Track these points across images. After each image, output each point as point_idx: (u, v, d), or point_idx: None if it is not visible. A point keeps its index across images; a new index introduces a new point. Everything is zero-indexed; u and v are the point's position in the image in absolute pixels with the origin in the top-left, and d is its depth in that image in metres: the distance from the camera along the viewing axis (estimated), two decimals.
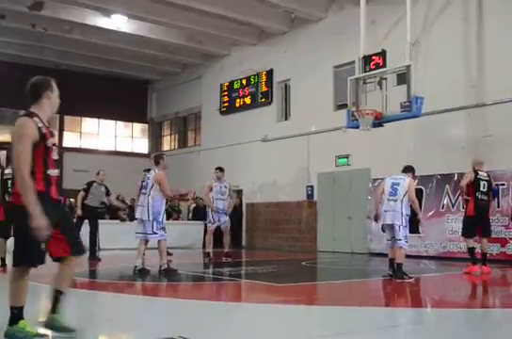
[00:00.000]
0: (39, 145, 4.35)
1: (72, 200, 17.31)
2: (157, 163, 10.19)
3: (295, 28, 18.53)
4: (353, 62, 14.46)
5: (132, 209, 19.36)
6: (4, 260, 10.48)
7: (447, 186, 13.50)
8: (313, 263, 13.55)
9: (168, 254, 11.63)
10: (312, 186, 17.62)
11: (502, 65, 13.01)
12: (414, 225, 9.71)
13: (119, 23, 18.73)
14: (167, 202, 10.61)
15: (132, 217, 13.96)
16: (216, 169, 13.14)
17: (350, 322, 5.48)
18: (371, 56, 13.38)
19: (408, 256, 9.48)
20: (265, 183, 18.93)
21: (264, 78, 19.63)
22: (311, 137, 17.59)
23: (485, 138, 13.13)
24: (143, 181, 10.46)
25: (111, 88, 23.79)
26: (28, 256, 4.26)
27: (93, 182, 13.13)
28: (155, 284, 9.15)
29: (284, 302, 6.71)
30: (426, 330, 5.31)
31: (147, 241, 9.95)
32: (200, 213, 18.86)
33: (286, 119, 19.21)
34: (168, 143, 26.10)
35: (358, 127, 13.08)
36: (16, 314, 4.22)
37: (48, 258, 4.34)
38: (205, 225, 17.30)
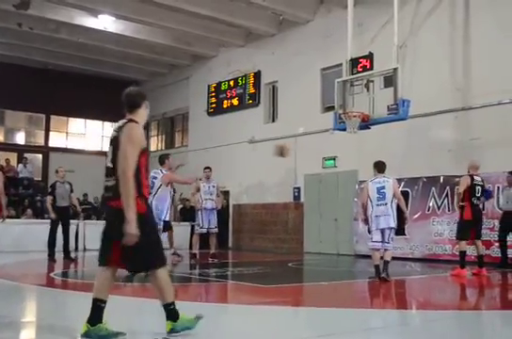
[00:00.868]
0: (144, 153, 4.47)
1: None
2: (162, 163, 10.16)
3: (283, 30, 18.55)
4: (340, 65, 14.49)
5: (95, 209, 19.31)
6: None
7: (433, 189, 13.57)
8: (300, 264, 13.57)
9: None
10: (298, 188, 17.65)
11: (488, 68, 13.10)
12: (400, 224, 9.73)
13: (106, 23, 18.66)
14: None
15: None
16: (207, 168, 13.24)
17: (336, 324, 5.49)
18: (358, 58, 13.42)
19: (393, 258, 9.51)
20: (252, 184, 18.93)
21: (251, 80, 19.63)
22: (298, 139, 17.61)
23: (471, 141, 13.21)
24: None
25: (98, 88, 23.66)
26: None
27: (55, 182, 13.12)
28: (140, 285, 9.10)
29: (270, 304, 6.70)
30: (411, 332, 5.33)
31: None
32: (186, 214, 18.82)
33: (273, 120, 19.22)
34: (154, 144, 26.01)
35: (345, 129, 13.12)
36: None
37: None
38: (192, 226, 17.28)
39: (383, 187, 9.39)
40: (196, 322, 4.63)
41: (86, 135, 25.30)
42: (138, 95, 4.94)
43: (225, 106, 20.60)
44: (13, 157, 22.82)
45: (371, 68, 13.14)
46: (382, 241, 9.32)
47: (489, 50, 13.11)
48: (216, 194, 13.33)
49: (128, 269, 4.66)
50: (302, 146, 17.41)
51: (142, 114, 4.80)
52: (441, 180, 13.47)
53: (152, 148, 25.88)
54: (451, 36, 14.00)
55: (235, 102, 20.22)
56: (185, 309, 6.16)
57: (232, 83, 20.40)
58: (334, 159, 16.58)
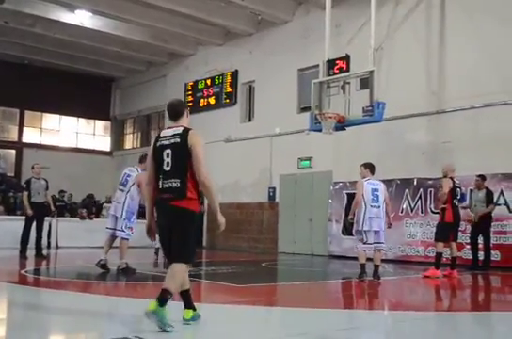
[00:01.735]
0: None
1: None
2: (141, 161, 10.11)
3: (261, 30, 18.58)
4: (317, 66, 14.55)
5: (65, 207, 19.15)
6: None
7: (407, 191, 13.70)
8: (273, 264, 13.60)
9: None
10: (274, 188, 17.69)
11: (462, 72, 13.26)
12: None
13: (83, 18, 18.52)
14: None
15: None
16: None
17: (308, 324, 5.52)
18: (335, 60, 13.53)
19: (367, 259, 9.60)
20: (227, 183, 18.92)
21: (228, 79, 19.63)
22: (274, 139, 17.65)
23: (444, 144, 13.37)
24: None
25: (74, 84, 23.49)
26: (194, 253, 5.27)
27: (31, 178, 13.03)
28: (113, 284, 9.07)
29: (243, 303, 6.72)
30: (383, 333, 5.38)
31: (114, 237, 9.87)
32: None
33: (250, 120, 19.24)
34: (130, 141, 25.89)
35: (320, 130, 13.19)
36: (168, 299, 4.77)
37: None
38: None
39: (377, 190, 9.54)
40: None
41: (60, 131, 25.06)
42: (181, 104, 5.49)
43: (202, 105, 20.56)
44: None
45: (347, 70, 13.25)
46: (375, 242, 9.47)
47: (464, 54, 13.27)
48: None
49: (170, 261, 5.10)
50: (278, 146, 17.46)
51: (187, 121, 5.28)
52: (415, 182, 13.60)
53: (128, 146, 25.76)
54: (427, 39, 14.15)
55: (212, 101, 20.20)
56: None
57: (209, 82, 20.37)
58: (309, 160, 16.65)
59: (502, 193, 12.11)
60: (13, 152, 23.77)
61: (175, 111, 5.27)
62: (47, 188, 13.07)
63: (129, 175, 9.89)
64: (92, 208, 19.22)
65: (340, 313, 6.49)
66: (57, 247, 16.18)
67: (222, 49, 20.05)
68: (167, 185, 4.93)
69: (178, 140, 4.97)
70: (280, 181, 17.54)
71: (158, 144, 5.08)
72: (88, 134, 25.92)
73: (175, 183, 4.91)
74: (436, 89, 13.89)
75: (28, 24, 18.81)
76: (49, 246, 15.88)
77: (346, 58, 13.45)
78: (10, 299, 7.18)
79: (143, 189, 9.68)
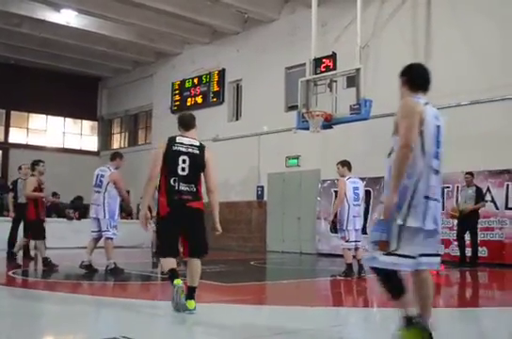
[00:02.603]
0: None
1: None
2: (113, 159, 10.05)
3: (247, 29, 18.58)
4: (304, 64, 14.58)
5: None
6: None
7: None
8: (262, 263, 13.61)
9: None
10: (262, 187, 17.69)
11: (448, 70, 13.30)
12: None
13: (68, 18, 18.43)
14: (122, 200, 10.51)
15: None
16: None
17: (296, 322, 5.53)
18: (322, 58, 13.53)
19: (355, 256, 9.64)
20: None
21: (215, 78, 19.61)
22: (261, 138, 17.66)
23: None
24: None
25: (60, 84, 23.38)
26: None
27: (17, 179, 12.94)
28: (101, 284, 9.04)
29: (231, 302, 6.72)
30: (372, 329, 5.40)
31: (98, 239, 9.83)
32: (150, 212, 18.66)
33: (237, 119, 19.24)
34: (117, 141, 25.80)
35: (308, 129, 13.21)
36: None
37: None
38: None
39: (357, 188, 9.58)
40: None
41: (47, 131, 24.93)
42: (194, 118, 6.25)
43: (189, 104, 20.52)
44: None
45: (334, 68, 13.26)
46: (356, 240, 9.52)
47: (450, 52, 13.33)
48: None
49: (192, 255, 5.76)
50: (266, 145, 17.46)
51: (196, 132, 6.08)
52: None
53: (115, 145, 25.67)
54: (413, 37, 14.19)
55: (199, 100, 20.17)
56: (146, 308, 6.16)
57: (196, 81, 20.34)
58: (297, 158, 16.66)
59: (488, 190, 12.20)
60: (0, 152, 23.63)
61: (190, 124, 6.07)
62: None
63: (102, 175, 9.83)
64: (82, 209, 19.12)
65: (328, 310, 6.51)
66: (45, 248, 16.05)
67: (209, 48, 20.03)
68: (184, 188, 5.61)
69: (197, 152, 5.74)
70: (268, 179, 17.55)
71: (174, 148, 5.67)
72: (76, 134, 25.80)
73: (191, 187, 5.65)
74: None
75: (14, 23, 18.69)
76: (36, 247, 15.76)
77: (333, 57, 13.44)
78: None
79: (120, 187, 9.63)
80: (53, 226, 16.10)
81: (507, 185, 12.00)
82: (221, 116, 19.37)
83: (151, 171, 5.66)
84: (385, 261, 3.92)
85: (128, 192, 12.87)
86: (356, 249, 9.58)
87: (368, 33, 13.99)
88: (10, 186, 13.04)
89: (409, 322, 3.95)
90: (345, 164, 9.76)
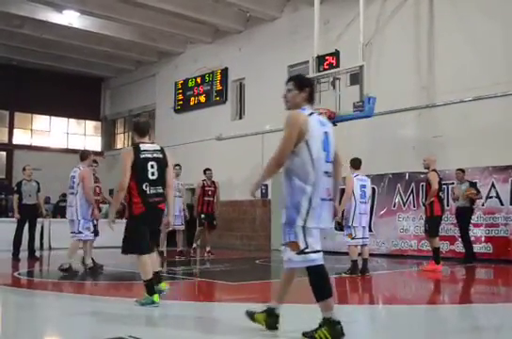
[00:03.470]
0: None
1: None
2: (82, 159, 10.03)
3: (250, 27, 18.56)
4: (307, 62, 14.54)
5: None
6: None
7: (398, 185, 13.74)
8: (267, 261, 13.60)
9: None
10: (266, 185, 17.66)
11: (452, 67, 13.30)
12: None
13: (71, 18, 18.44)
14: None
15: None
16: (177, 165, 13.25)
17: (302, 319, 5.52)
18: (324, 56, 13.50)
19: (360, 254, 9.63)
20: (220, 181, 18.77)
21: (218, 77, 19.60)
22: (265, 136, 17.64)
23: (435, 139, 13.40)
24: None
25: (63, 84, 23.41)
26: None
27: (22, 180, 12.96)
28: (106, 284, 9.05)
29: (237, 301, 6.72)
30: (377, 327, 5.39)
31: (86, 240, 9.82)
32: None
33: (241, 117, 19.23)
34: (121, 141, 25.83)
35: None
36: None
37: None
38: None
39: (364, 186, 9.57)
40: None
41: (51, 132, 24.96)
42: (150, 124, 6.79)
43: (192, 103, 20.52)
44: None
45: (337, 65, 13.22)
46: (362, 237, 9.55)
47: (453, 48, 13.30)
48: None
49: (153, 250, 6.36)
50: (269, 143, 17.42)
51: (151, 137, 6.42)
52: (407, 176, 13.64)
53: (119, 145, 25.70)
54: (415, 34, 14.17)
55: (202, 99, 20.17)
56: (151, 307, 6.15)
57: (199, 80, 20.33)
58: None
59: (493, 186, 12.17)
60: (4, 154, 23.67)
61: (147, 129, 6.49)
62: (39, 190, 13.00)
63: (74, 176, 9.79)
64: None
65: (335, 308, 6.49)
66: (50, 248, 16.11)
67: (211, 47, 20.02)
68: (154, 192, 6.07)
69: (161, 156, 6.25)
70: (272, 178, 17.48)
71: (142, 156, 6.09)
72: (79, 134, 25.83)
73: (160, 189, 6.14)
74: (426, 84, 13.91)
75: (16, 24, 18.71)
76: (42, 247, 15.82)
77: (336, 54, 13.41)
78: (3, 302, 7.15)
79: (86, 184, 9.54)
80: (58, 227, 16.16)
81: None
82: (224, 115, 19.37)
83: (123, 182, 5.96)
84: (300, 260, 4.37)
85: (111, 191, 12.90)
86: (362, 246, 9.58)
87: (371, 30, 13.97)
88: (15, 188, 13.06)
89: (332, 324, 4.28)
90: (354, 161, 9.74)
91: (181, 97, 20.97)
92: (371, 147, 14.45)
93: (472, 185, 11.86)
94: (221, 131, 19.03)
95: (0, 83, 22.15)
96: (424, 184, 11.10)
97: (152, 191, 6.05)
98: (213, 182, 14.17)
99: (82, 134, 25.95)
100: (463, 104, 13.06)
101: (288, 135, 4.31)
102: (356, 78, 13.01)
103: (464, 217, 11.72)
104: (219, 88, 19.54)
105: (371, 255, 13.31)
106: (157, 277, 6.30)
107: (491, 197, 12.11)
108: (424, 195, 13.03)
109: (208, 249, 14.08)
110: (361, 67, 12.53)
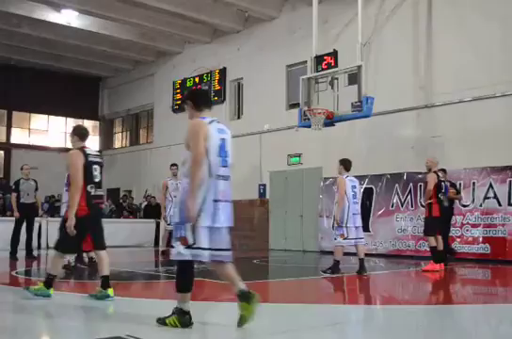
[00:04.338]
0: None
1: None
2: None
3: (248, 27, 18.56)
4: (305, 62, 14.56)
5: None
6: None
7: (397, 185, 13.73)
8: (265, 261, 13.61)
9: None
10: (264, 185, 17.68)
11: (450, 66, 13.31)
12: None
13: (69, 18, 18.43)
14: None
15: None
16: (174, 165, 13.22)
17: (301, 319, 5.52)
18: (323, 55, 13.52)
19: (354, 254, 9.67)
20: None
21: (216, 76, 19.60)
22: (263, 136, 17.65)
23: (433, 139, 13.41)
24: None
25: (62, 84, 23.40)
26: None
27: (20, 179, 12.93)
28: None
29: (234, 300, 6.70)
30: (376, 327, 5.39)
31: None
32: (151, 211, 18.71)
33: (239, 117, 19.22)
34: (119, 141, 25.81)
35: (310, 126, 13.19)
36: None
37: None
38: (157, 223, 17.18)
39: (355, 187, 9.63)
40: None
41: (48, 131, 24.94)
42: (88, 130, 7.24)
43: None
44: None
45: (335, 65, 13.24)
46: (357, 237, 9.59)
47: (451, 48, 13.32)
48: None
49: (101, 248, 6.56)
50: (267, 143, 17.45)
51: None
52: (405, 177, 13.64)
53: (117, 145, 25.69)
54: (414, 35, 14.18)
55: None
56: (150, 306, 6.16)
57: (197, 80, 20.33)
58: (299, 156, 16.65)
59: (491, 186, 12.16)
60: (1, 153, 23.65)
61: (87, 135, 7.01)
62: (36, 189, 12.97)
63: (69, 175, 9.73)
64: None
65: (333, 308, 6.50)
66: (48, 247, 16.09)
67: (210, 47, 20.02)
68: (97, 193, 6.50)
69: (101, 160, 6.78)
70: (270, 178, 17.54)
71: (90, 159, 6.47)
72: None
73: (101, 191, 6.65)
74: (424, 84, 13.92)
75: (14, 23, 18.68)
76: (39, 247, 15.80)
77: (334, 54, 13.44)
78: (1, 300, 7.13)
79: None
80: (56, 226, 16.12)
81: (510, 182, 11.96)
82: (222, 115, 19.31)
83: (79, 182, 6.25)
84: (186, 253, 4.71)
85: (130, 192, 12.90)
86: (357, 246, 9.60)
87: (369, 30, 13.99)
88: (13, 186, 13.04)
89: (183, 314, 4.78)
90: (344, 162, 9.76)
91: (179, 97, 20.95)
92: (369, 147, 14.46)
93: (453, 185, 11.84)
94: None
95: None
96: (423, 184, 11.10)
97: (97, 193, 6.49)
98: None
99: None
100: (462, 105, 13.07)
101: (196, 142, 4.73)
102: (354, 78, 13.02)
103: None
104: (217, 87, 19.53)
105: (369, 255, 13.38)
106: (106, 282, 6.35)
107: (489, 197, 12.11)
108: (422, 195, 13.07)
109: None
110: (360, 67, 12.53)
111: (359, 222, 9.61)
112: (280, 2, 17.55)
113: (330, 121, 13.04)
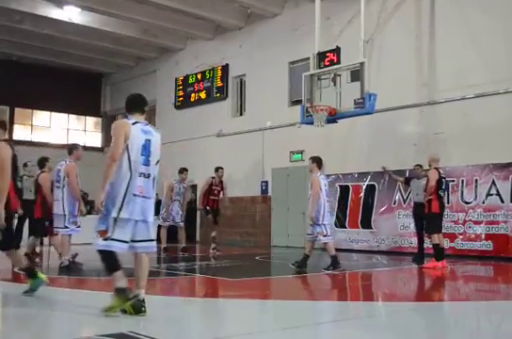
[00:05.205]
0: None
1: None
2: (70, 153, 9.99)
3: (251, 24, 18.53)
4: (308, 58, 14.51)
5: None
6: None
7: (399, 183, 13.70)
8: (267, 258, 13.62)
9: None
10: (266, 182, 17.68)
11: (453, 63, 13.28)
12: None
13: (71, 14, 18.40)
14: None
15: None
16: (186, 170, 13.37)
17: (302, 316, 5.53)
18: (325, 52, 13.47)
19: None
20: None
21: (219, 73, 19.58)
22: (265, 133, 17.64)
23: (436, 135, 13.40)
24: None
25: (64, 80, 23.37)
26: None
27: (23, 176, 12.94)
28: (107, 279, 9.03)
29: (237, 297, 6.72)
30: (377, 324, 5.39)
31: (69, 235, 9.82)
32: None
33: (241, 114, 19.21)
34: None
35: (312, 123, 13.16)
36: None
37: None
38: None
39: (326, 185, 9.72)
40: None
41: (51, 128, 24.93)
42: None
43: (192, 100, 20.51)
44: None
45: (338, 62, 13.19)
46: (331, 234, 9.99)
47: (454, 45, 13.29)
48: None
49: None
50: (270, 140, 17.44)
51: None
52: (407, 174, 13.61)
53: None
54: (417, 31, 14.15)
55: (203, 95, 20.15)
56: (153, 303, 6.16)
57: (199, 76, 20.31)
58: (301, 153, 16.63)
59: (493, 183, 12.16)
60: None
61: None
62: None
63: (59, 170, 9.74)
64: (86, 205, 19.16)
65: (334, 304, 6.50)
66: (50, 244, 16.09)
67: (212, 43, 19.99)
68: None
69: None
70: (272, 174, 17.54)
71: (14, 153, 6.66)
72: (79, 130, 25.80)
73: None
74: (427, 81, 13.90)
75: (16, 20, 18.66)
76: (42, 243, 15.79)
77: (337, 51, 13.38)
78: (4, 297, 7.15)
79: (72, 179, 9.52)
80: None
81: None
82: (225, 111, 19.35)
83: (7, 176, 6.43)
84: (102, 244, 5.12)
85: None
86: (326, 243, 9.83)
87: (372, 27, 13.97)
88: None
89: (119, 292, 5.14)
90: (317, 160, 9.80)
91: (181, 93, 20.95)
92: (371, 144, 14.45)
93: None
94: (222, 127, 19.03)
95: (0, 78, 22.10)
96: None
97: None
98: (221, 181, 14.02)
99: (82, 130, 25.91)
100: (464, 102, 13.05)
101: (116, 139, 5.14)
102: (357, 75, 12.96)
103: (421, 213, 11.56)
104: (220, 84, 19.52)
105: (371, 252, 13.41)
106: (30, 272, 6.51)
107: (492, 194, 12.11)
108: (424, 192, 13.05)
109: (213, 246, 14.11)
110: (362, 63, 12.49)
111: (331, 220, 9.84)
112: None
113: (333, 117, 13.01)
